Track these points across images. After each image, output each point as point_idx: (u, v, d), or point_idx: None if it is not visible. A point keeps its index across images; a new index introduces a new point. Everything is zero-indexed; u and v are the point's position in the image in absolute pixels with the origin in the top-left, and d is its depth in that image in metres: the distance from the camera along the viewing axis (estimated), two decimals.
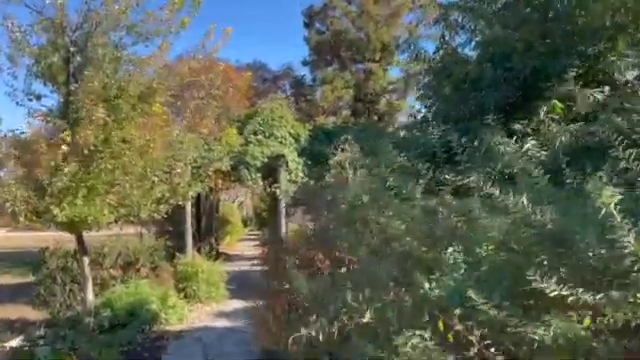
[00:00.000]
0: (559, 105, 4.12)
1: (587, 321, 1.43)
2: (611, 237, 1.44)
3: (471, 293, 1.43)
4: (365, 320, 1.51)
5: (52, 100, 6.91)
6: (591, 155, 3.62)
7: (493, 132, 3.40)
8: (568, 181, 2.44)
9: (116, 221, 6.91)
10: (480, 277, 1.64)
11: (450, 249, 1.92)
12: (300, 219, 8.56)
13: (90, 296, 7.22)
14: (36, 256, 9.00)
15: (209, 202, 15.79)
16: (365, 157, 2.40)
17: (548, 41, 4.42)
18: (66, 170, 5.92)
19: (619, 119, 4.16)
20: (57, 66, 6.59)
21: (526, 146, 3.41)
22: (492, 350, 1.42)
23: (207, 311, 9.28)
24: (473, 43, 5.37)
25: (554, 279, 1.45)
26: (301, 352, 2.02)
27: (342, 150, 6.52)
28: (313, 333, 1.73)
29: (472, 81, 4.78)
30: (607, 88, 4.52)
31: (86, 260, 7.20)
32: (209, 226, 15.65)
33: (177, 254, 10.58)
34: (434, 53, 5.30)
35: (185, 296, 9.46)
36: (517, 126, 4.35)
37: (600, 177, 1.82)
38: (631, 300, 1.38)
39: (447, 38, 5.15)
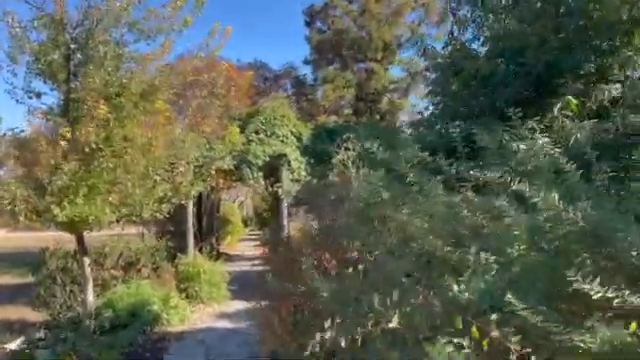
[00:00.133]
0: (574, 101, 4.02)
1: (634, 326, 1.32)
2: None
3: (510, 297, 1.32)
4: (392, 325, 1.41)
5: (52, 98, 6.80)
6: (606, 152, 3.52)
7: (513, 127, 3.30)
8: (594, 177, 2.34)
9: (118, 221, 6.80)
10: (512, 279, 1.53)
11: (473, 249, 1.81)
12: (303, 219, 8.46)
13: (90, 297, 7.11)
14: (36, 256, 8.89)
15: (210, 202, 15.68)
16: (383, 152, 2.29)
17: (561, 36, 4.32)
18: (66, 168, 5.81)
19: (632, 116, 4.06)
20: (57, 63, 6.47)
21: (539, 143, 3.31)
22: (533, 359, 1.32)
23: (209, 312, 9.17)
24: (482, 38, 5.27)
25: (597, 280, 1.34)
26: (319, 357, 1.91)
27: (345, 149, 6.46)
28: (327, 337, 1.63)
29: (482, 77, 4.67)
30: (619, 85, 4.43)
31: (87, 261, 7.08)
32: (210, 226, 15.54)
33: (178, 254, 10.47)
34: (442, 49, 5.20)
35: (186, 297, 9.35)
36: (530, 123, 4.25)
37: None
38: None
39: (456, 33, 5.05)
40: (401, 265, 1.71)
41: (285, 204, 11.04)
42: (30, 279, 8.99)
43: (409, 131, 6.14)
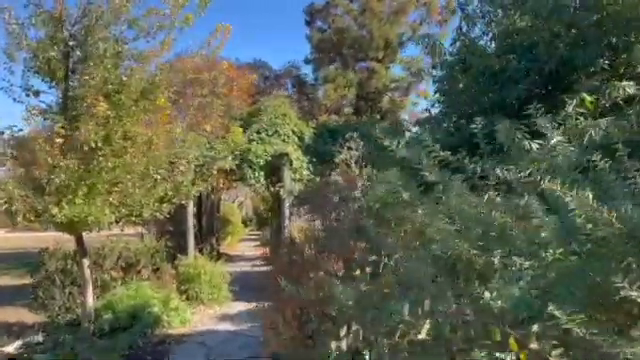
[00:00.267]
0: (588, 99, 3.90)
1: None
2: None
3: (551, 306, 1.21)
4: (421, 336, 1.30)
5: (51, 96, 6.68)
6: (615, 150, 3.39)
7: (526, 124, 3.19)
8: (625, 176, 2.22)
9: (117, 221, 6.67)
10: (546, 286, 1.41)
11: (499, 252, 1.69)
12: (305, 219, 8.34)
13: (90, 299, 6.98)
14: (35, 257, 8.76)
15: (210, 202, 15.56)
16: (402, 149, 2.17)
17: (574, 31, 4.20)
18: (62, 164, 5.67)
19: None
20: (56, 61, 6.35)
21: (552, 141, 3.19)
22: None
23: (210, 314, 9.05)
24: (490, 34, 5.15)
25: None
26: None
27: (348, 148, 6.35)
28: (343, 345, 1.52)
29: (492, 74, 4.55)
30: (632, 82, 4.31)
31: (86, 262, 6.96)
32: (210, 226, 15.42)
33: (178, 255, 10.35)
34: (450, 45, 5.08)
35: (187, 298, 9.23)
36: (543, 120, 4.13)
37: None
38: None
39: (464, 29, 4.93)
40: (428, 271, 1.59)
41: (287, 204, 10.91)
42: (29, 280, 8.86)
43: (414, 129, 6.01)
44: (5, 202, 5.78)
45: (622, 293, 1.22)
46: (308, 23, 22.51)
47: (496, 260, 1.62)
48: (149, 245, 9.71)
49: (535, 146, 3.16)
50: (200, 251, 11.90)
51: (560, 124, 4.22)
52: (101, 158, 6.06)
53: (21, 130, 6.42)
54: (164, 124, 6.91)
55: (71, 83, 6.44)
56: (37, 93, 6.58)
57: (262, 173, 10.88)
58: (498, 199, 1.96)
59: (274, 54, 63.79)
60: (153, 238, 11.14)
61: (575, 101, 4.00)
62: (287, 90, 21.81)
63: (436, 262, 1.67)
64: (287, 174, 10.87)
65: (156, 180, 6.73)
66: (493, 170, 1.96)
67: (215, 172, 9.19)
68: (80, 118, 6.13)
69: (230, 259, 16.42)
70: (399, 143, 2.25)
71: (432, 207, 1.90)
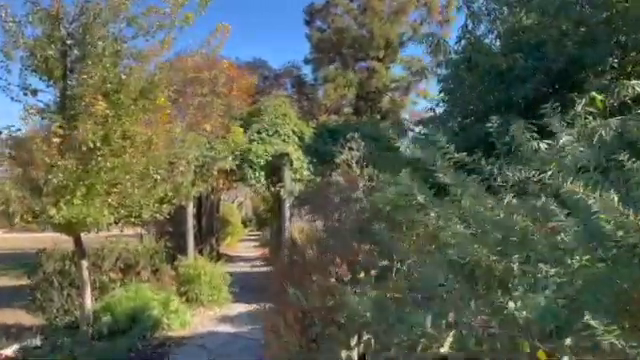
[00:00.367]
0: (598, 97, 3.82)
1: None
2: None
3: (589, 317, 1.12)
4: (444, 350, 1.21)
5: (49, 95, 6.58)
6: (634, 150, 3.31)
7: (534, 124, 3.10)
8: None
9: (116, 222, 6.57)
10: (572, 294, 1.33)
11: (519, 258, 1.60)
12: (306, 219, 8.25)
13: (88, 301, 6.88)
14: (33, 258, 8.66)
15: (210, 202, 15.45)
16: (416, 150, 2.08)
17: (583, 29, 4.12)
18: (60, 164, 5.57)
19: None
20: (53, 59, 6.25)
21: (561, 141, 3.11)
22: None
23: (210, 316, 8.95)
24: (495, 32, 5.07)
25: None
26: None
27: (349, 149, 6.26)
28: (354, 355, 1.43)
29: (498, 73, 4.46)
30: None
31: (84, 264, 6.86)
32: (210, 227, 15.32)
33: (178, 256, 10.25)
34: (455, 44, 4.99)
35: (187, 300, 9.13)
36: (551, 120, 4.05)
37: None
38: None
39: (470, 27, 4.83)
40: (446, 277, 1.50)
41: (287, 204, 10.82)
42: (27, 281, 8.76)
43: (417, 129, 5.92)
44: (2, 203, 5.68)
45: None
46: (308, 23, 22.44)
47: (516, 266, 1.53)
48: (148, 246, 9.61)
49: (544, 146, 3.08)
50: (200, 252, 11.80)
51: (569, 124, 4.14)
52: (100, 158, 5.97)
53: (19, 130, 6.33)
54: (164, 124, 6.81)
55: (69, 82, 6.35)
56: (35, 92, 6.48)
57: (262, 173, 10.79)
58: (514, 201, 1.87)
59: (274, 54, 63.63)
60: (152, 239, 11.04)
61: (585, 100, 3.92)
62: (286, 90, 21.71)
63: (452, 268, 1.59)
64: (287, 174, 10.78)
65: (156, 180, 6.64)
66: (508, 171, 1.87)
67: (215, 172, 9.09)
68: (78, 117, 6.03)
69: (230, 259, 16.32)
70: (412, 144, 2.16)
71: (447, 210, 1.82)
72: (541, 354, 1.17)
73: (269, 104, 11.67)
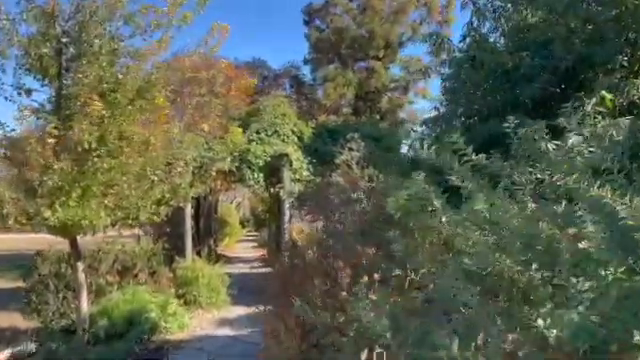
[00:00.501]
0: (608, 97, 3.71)
1: None
2: None
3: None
4: None
5: (44, 95, 6.44)
6: None
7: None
8: None
9: (113, 224, 6.44)
10: (607, 310, 1.21)
11: (545, 269, 1.49)
12: (306, 221, 8.13)
13: (84, 304, 6.74)
14: (29, 259, 8.53)
15: (208, 203, 15.34)
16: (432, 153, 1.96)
17: (591, 27, 4.02)
18: (56, 166, 5.45)
19: None
20: (48, 57, 6.12)
21: (570, 142, 3.01)
22: None
23: (208, 318, 8.83)
24: (500, 30, 4.97)
25: None
26: None
27: (349, 149, 6.16)
28: None
29: (504, 71, 4.36)
30: None
31: (80, 266, 6.72)
32: (208, 228, 15.20)
33: (176, 257, 10.12)
34: (460, 42, 4.88)
35: (185, 302, 9.01)
36: (560, 120, 3.94)
37: None
38: None
39: (475, 24, 4.72)
40: (465, 289, 1.38)
41: (287, 205, 10.71)
42: (23, 283, 8.61)
43: (420, 129, 5.81)
44: None
45: None
46: (307, 23, 22.33)
47: (539, 277, 1.42)
48: (146, 248, 9.49)
49: (552, 147, 2.97)
50: (198, 253, 11.68)
51: (578, 123, 4.03)
52: (96, 159, 5.85)
53: (13, 130, 6.19)
54: (161, 124, 6.69)
55: (64, 81, 6.22)
56: (29, 92, 6.35)
57: (261, 174, 10.67)
58: (532, 206, 1.76)
59: (273, 54, 63.48)
60: (150, 240, 10.92)
61: (594, 100, 3.82)
62: (285, 90, 21.60)
63: (471, 279, 1.48)
64: (287, 175, 10.66)
65: (153, 182, 6.51)
66: (524, 174, 1.76)
67: (214, 173, 8.96)
68: (74, 117, 5.90)
69: (228, 261, 16.19)
70: (419, 145, 2.04)
71: (464, 216, 1.70)
72: None
73: (268, 104, 11.56)
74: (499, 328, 1.26)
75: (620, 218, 1.48)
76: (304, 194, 8.58)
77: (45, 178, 5.60)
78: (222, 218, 21.38)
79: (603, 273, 1.25)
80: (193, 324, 8.31)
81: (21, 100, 6.20)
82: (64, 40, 6.24)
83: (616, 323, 1.16)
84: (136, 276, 8.67)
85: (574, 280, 1.26)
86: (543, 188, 2.05)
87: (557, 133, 3.25)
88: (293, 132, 11.25)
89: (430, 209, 1.80)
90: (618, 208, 1.48)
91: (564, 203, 1.75)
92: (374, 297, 4.04)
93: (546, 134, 3.05)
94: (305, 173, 10.80)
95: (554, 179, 1.67)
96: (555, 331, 1.16)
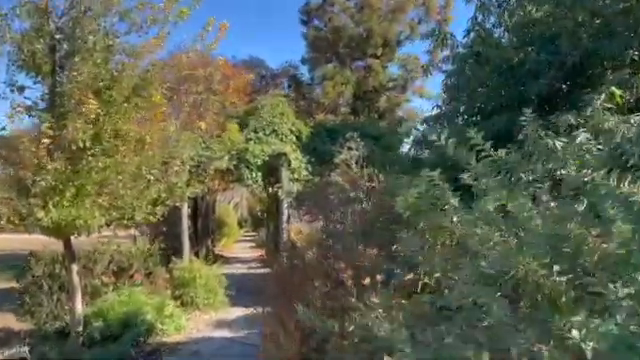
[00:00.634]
0: (617, 93, 3.60)
1: None
2: None
3: None
4: None
5: (37, 92, 6.31)
6: None
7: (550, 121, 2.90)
8: None
9: (108, 224, 6.31)
10: None
11: (564, 270, 1.37)
12: (304, 220, 8.02)
13: (79, 306, 6.60)
14: (23, 259, 8.37)
15: (205, 203, 15.21)
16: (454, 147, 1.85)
17: (599, 20, 3.90)
18: (49, 167, 5.32)
19: None
20: (41, 54, 5.99)
21: (578, 139, 2.90)
22: None
23: (205, 320, 8.69)
24: (504, 26, 4.85)
25: None
26: None
27: (348, 148, 6.05)
28: None
29: (509, 67, 4.25)
30: None
31: (74, 267, 6.58)
32: (205, 228, 15.08)
33: (173, 258, 9.99)
34: (464, 37, 4.76)
35: (182, 304, 8.86)
36: (566, 117, 3.83)
37: None
38: None
39: (479, 19, 4.60)
40: (485, 294, 1.26)
41: (285, 205, 10.58)
42: (17, 284, 8.46)
43: (422, 128, 5.70)
44: None
45: None
46: (304, 22, 22.21)
47: (565, 280, 1.30)
48: (142, 248, 9.35)
49: (560, 144, 2.87)
50: (195, 253, 11.55)
51: (586, 121, 3.92)
52: (90, 158, 5.72)
53: (4, 129, 6.06)
54: (158, 122, 6.56)
55: (58, 78, 6.08)
56: (22, 89, 6.23)
57: (260, 173, 10.54)
58: (553, 204, 1.65)
59: (272, 53, 63.25)
60: (146, 240, 10.78)
61: (603, 96, 3.70)
62: (284, 89, 21.48)
63: (489, 283, 1.36)
64: (285, 174, 10.54)
65: (149, 181, 6.38)
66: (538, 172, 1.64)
67: (211, 173, 8.84)
68: (68, 116, 5.77)
69: (226, 261, 16.05)
70: (446, 140, 1.93)
71: (486, 215, 1.58)
72: None
73: (266, 103, 11.43)
74: (528, 339, 1.15)
75: None
76: (303, 194, 8.45)
77: (38, 178, 5.47)
78: (220, 218, 21.26)
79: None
80: (190, 326, 8.17)
81: (14, 97, 6.09)
82: (58, 37, 6.11)
83: None
84: (132, 277, 8.53)
85: (611, 286, 1.15)
86: (559, 185, 1.94)
87: (566, 129, 3.14)
88: (291, 131, 11.13)
89: (442, 208, 1.69)
90: None
91: (585, 201, 1.63)
92: (376, 300, 3.93)
93: (554, 131, 2.95)
94: (304, 173, 10.68)
95: (578, 174, 1.55)
96: (592, 344, 1.05)
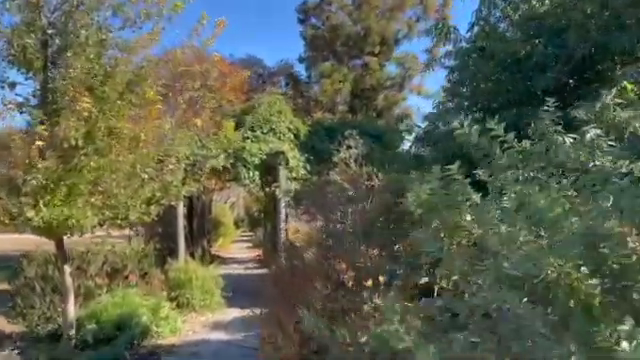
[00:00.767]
0: (629, 86, 3.48)
1: None
2: None
3: None
4: None
5: (28, 88, 6.14)
6: None
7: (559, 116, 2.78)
8: None
9: (101, 224, 6.15)
10: None
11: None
12: (303, 220, 7.88)
13: (71, 308, 6.44)
14: (14, 260, 8.19)
15: (201, 202, 15.03)
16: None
17: (608, 13, 3.78)
18: (40, 165, 5.16)
19: None
20: (33, 50, 5.83)
21: (588, 135, 2.78)
22: None
23: (202, 322, 8.53)
24: (508, 20, 4.73)
25: None
26: None
27: (347, 147, 5.93)
28: None
29: (515, 61, 4.12)
30: None
31: (67, 269, 6.42)
32: (201, 228, 14.89)
33: (168, 259, 9.82)
34: (467, 31, 4.63)
35: (177, 305, 8.70)
36: (577, 112, 3.70)
37: None
38: None
39: (484, 13, 4.47)
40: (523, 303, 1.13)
41: (283, 204, 10.44)
42: (8, 285, 8.27)
43: (424, 125, 5.57)
44: None
45: None
46: (302, 21, 22.08)
47: (594, 283, 1.16)
48: (137, 249, 9.18)
49: (569, 141, 2.75)
50: (191, 254, 11.38)
51: (596, 116, 3.78)
52: (83, 157, 5.56)
53: None
54: (152, 119, 6.40)
55: (50, 74, 5.93)
56: (13, 85, 6.06)
57: (257, 172, 10.39)
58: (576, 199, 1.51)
59: (272, 53, 63.13)
60: (141, 241, 10.61)
61: (614, 90, 3.58)
62: (281, 88, 21.35)
63: (514, 286, 1.23)
64: (283, 173, 10.39)
65: (143, 180, 6.22)
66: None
67: (207, 171, 8.68)
68: (60, 113, 5.61)
69: (223, 261, 15.88)
70: (469, 127, 1.79)
71: (506, 213, 1.45)
72: None
73: (263, 101, 11.28)
74: (567, 351, 1.01)
75: None
76: (301, 193, 8.32)
77: (29, 177, 5.31)
78: (216, 218, 21.08)
79: None
80: (186, 328, 8.01)
81: (4, 94, 5.93)
82: (50, 31, 5.96)
83: None
84: (126, 278, 8.35)
85: None
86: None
87: (573, 125, 3.01)
88: (289, 129, 10.98)
89: (457, 205, 1.55)
90: None
91: (611, 197, 1.50)
92: (380, 302, 3.79)
93: (563, 126, 2.82)
94: (302, 171, 10.53)
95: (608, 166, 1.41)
96: None
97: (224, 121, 10.14)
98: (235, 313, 8.73)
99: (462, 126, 1.82)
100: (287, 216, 10.89)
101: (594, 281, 1.16)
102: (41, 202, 5.42)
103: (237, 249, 22.81)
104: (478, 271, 1.38)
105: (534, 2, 4.60)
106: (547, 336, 1.07)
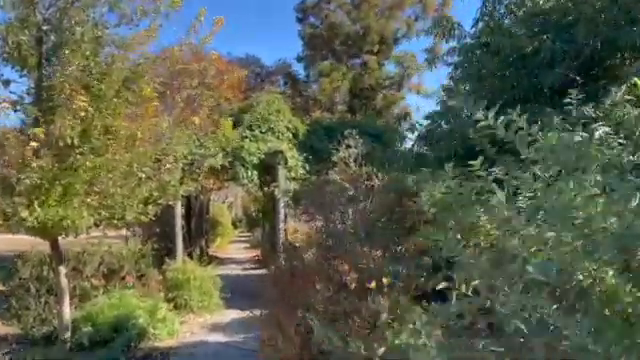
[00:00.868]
0: None
1: None
2: None
3: None
4: None
5: (22, 86, 6.02)
6: None
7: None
8: None
9: (97, 225, 6.03)
10: None
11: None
12: (303, 219, 7.78)
13: (67, 310, 6.32)
14: (8, 261, 8.06)
15: (199, 202, 14.91)
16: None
17: (618, 7, 3.69)
18: (34, 164, 5.04)
19: None
20: (27, 46, 5.71)
21: (597, 133, 2.69)
22: None
23: (200, 323, 8.41)
24: (512, 15, 4.63)
25: None
26: None
27: (347, 146, 5.84)
28: None
29: (521, 57, 4.02)
30: None
31: (62, 270, 6.30)
32: (199, 228, 14.78)
33: (166, 259, 9.69)
34: (472, 27, 4.54)
35: (175, 307, 8.57)
36: (586, 109, 3.61)
37: None
38: None
39: (489, 8, 4.37)
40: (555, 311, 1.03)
41: (282, 204, 10.33)
42: (2, 287, 8.15)
43: (425, 123, 5.47)
44: None
45: None
46: (300, 20, 22.00)
47: (634, 290, 1.06)
48: (134, 249, 9.05)
49: (577, 139, 2.66)
50: (189, 254, 11.26)
51: (605, 114, 3.69)
52: (79, 157, 5.45)
53: None
54: (149, 117, 6.29)
55: (44, 72, 5.81)
56: (7, 83, 5.94)
57: (255, 172, 10.28)
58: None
59: (272, 53, 63.02)
60: (138, 241, 10.49)
61: (624, 87, 3.49)
62: (279, 87, 21.25)
63: (542, 292, 1.13)
64: (282, 173, 10.28)
65: (140, 179, 6.10)
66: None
67: (206, 170, 8.56)
68: (56, 111, 5.49)
69: (221, 262, 15.75)
70: (494, 119, 1.70)
71: (533, 212, 1.35)
72: None
73: (261, 99, 11.17)
74: None
75: None
76: (300, 193, 8.21)
77: (22, 176, 5.19)
78: (214, 218, 20.95)
79: None
80: (184, 330, 7.89)
81: None
82: (45, 28, 5.84)
83: None
84: (123, 279, 8.23)
85: None
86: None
87: (584, 122, 2.91)
88: (288, 129, 10.88)
89: (474, 204, 1.46)
90: None
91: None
92: (385, 304, 3.69)
93: (570, 124, 2.73)
94: (301, 171, 10.43)
95: None
96: None
97: (222, 120, 10.02)
98: (234, 314, 8.62)
99: (486, 118, 1.71)
100: (286, 216, 10.78)
101: (632, 287, 1.07)
102: (35, 202, 5.30)
103: (235, 249, 22.67)
104: (502, 276, 1.29)
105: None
106: (587, 347, 0.97)
